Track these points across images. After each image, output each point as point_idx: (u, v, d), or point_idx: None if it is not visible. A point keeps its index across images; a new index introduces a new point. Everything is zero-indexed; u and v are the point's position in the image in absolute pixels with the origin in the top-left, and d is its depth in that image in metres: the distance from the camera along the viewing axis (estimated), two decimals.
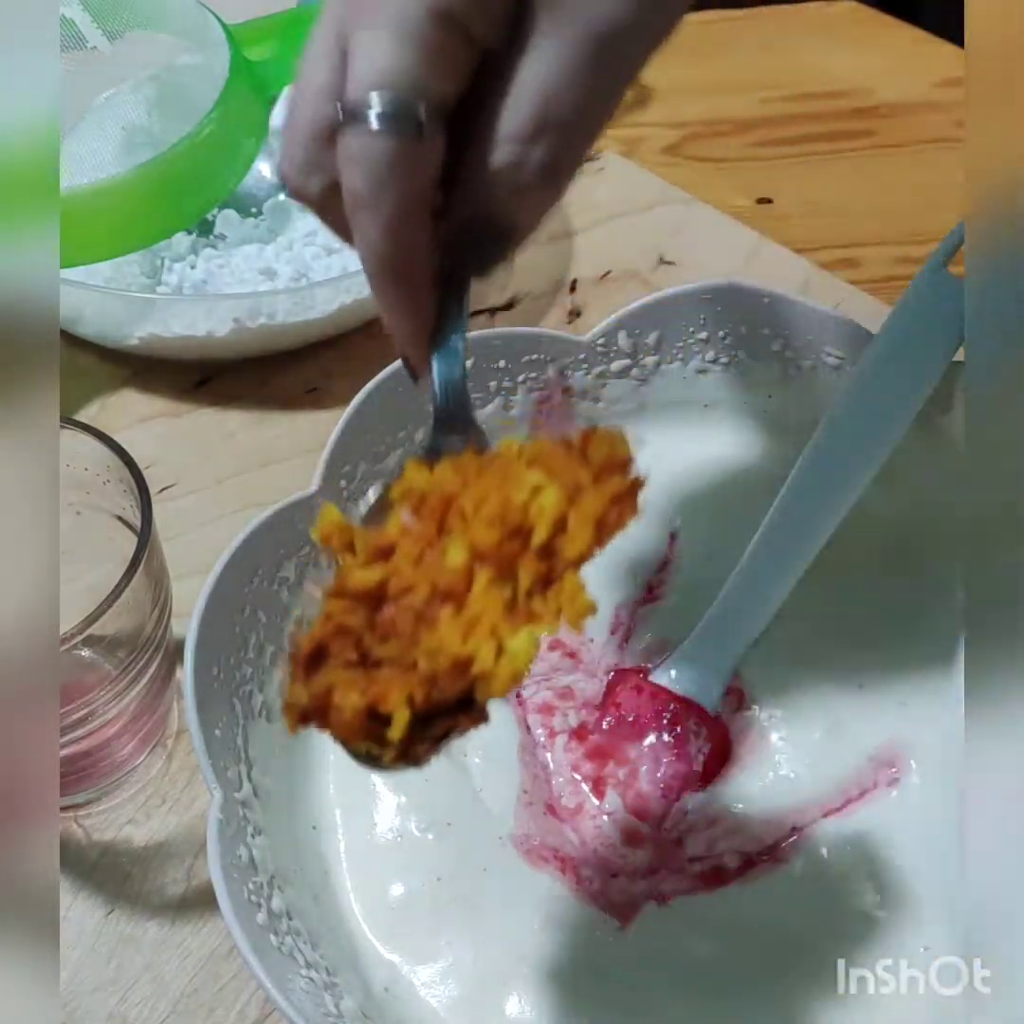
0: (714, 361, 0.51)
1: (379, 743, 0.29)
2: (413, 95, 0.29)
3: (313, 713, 0.30)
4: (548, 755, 0.45)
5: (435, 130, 0.30)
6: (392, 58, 0.29)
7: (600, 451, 0.30)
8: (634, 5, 0.29)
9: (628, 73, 0.31)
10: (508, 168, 0.30)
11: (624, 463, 0.30)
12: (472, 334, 0.48)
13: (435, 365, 0.34)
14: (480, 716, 0.29)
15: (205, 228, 0.62)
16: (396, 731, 0.29)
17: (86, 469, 0.42)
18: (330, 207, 0.32)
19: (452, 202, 0.32)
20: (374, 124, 0.29)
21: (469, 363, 0.47)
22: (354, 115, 0.29)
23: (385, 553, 0.31)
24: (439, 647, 0.29)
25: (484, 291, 0.64)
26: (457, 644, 0.28)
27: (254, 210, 0.63)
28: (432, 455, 0.33)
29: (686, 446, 0.52)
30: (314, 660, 0.30)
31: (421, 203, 0.31)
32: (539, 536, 0.29)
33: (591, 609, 0.29)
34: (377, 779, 0.43)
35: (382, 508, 0.33)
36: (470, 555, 0.29)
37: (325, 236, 0.61)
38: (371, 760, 0.30)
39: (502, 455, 0.31)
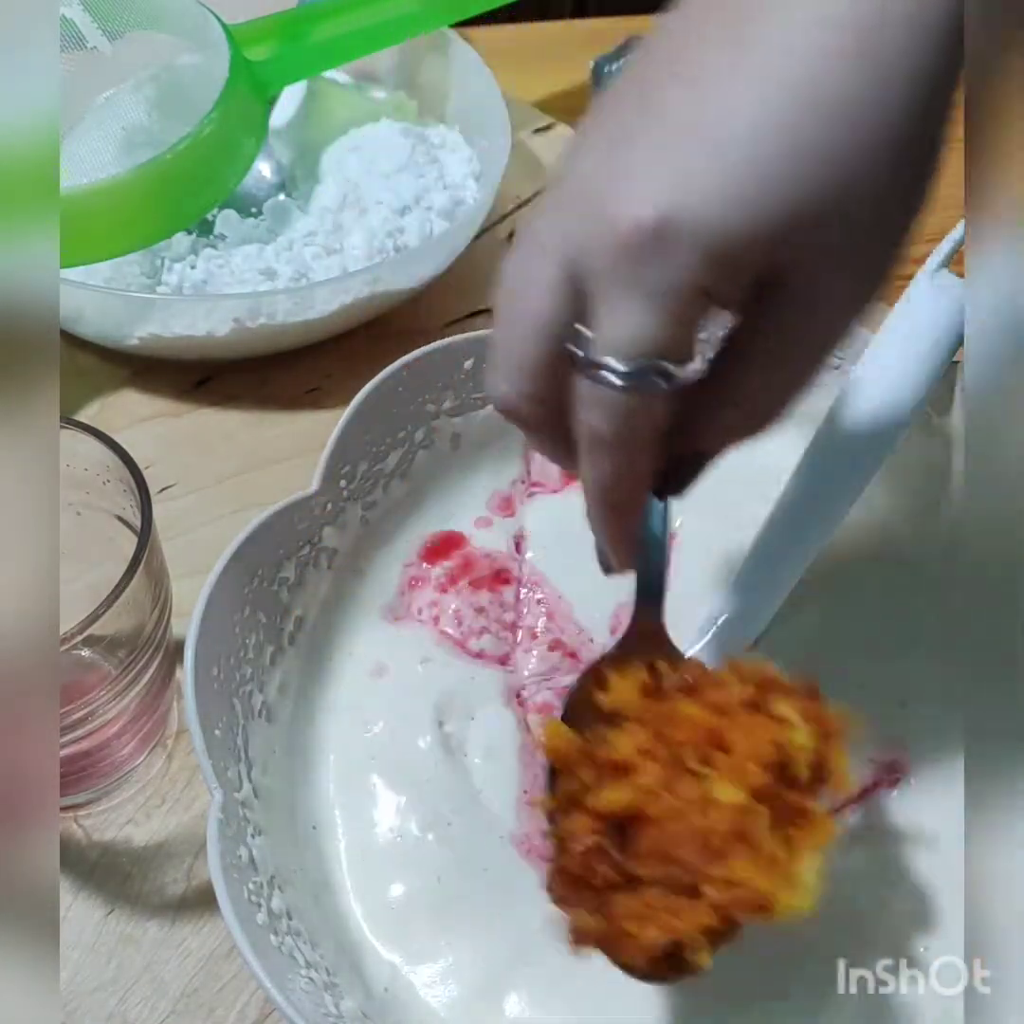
0: None
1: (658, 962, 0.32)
2: (660, 360, 0.30)
3: (605, 941, 0.32)
4: None
5: (674, 390, 0.31)
6: (646, 329, 0.29)
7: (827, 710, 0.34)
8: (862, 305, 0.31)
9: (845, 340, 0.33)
10: (735, 429, 0.33)
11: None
12: (472, 334, 0.49)
13: (638, 569, 0.37)
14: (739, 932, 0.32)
15: (205, 228, 0.62)
16: (703, 962, 0.31)
17: (86, 469, 0.42)
18: (541, 429, 0.33)
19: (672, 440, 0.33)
20: (619, 382, 0.30)
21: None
22: (599, 368, 0.30)
23: (620, 770, 0.33)
24: (736, 880, 0.31)
25: (484, 291, 0.64)
26: (755, 878, 0.31)
27: (254, 210, 0.63)
28: (622, 655, 0.36)
29: None
30: (579, 880, 0.33)
31: (654, 446, 0.32)
32: (803, 774, 0.32)
33: (834, 835, 0.32)
34: (377, 779, 0.43)
35: (582, 708, 0.35)
36: (745, 792, 0.32)
37: (325, 236, 0.61)
38: (640, 972, 0.33)
39: (717, 680, 0.34)
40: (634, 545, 0.36)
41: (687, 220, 0.28)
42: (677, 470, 0.35)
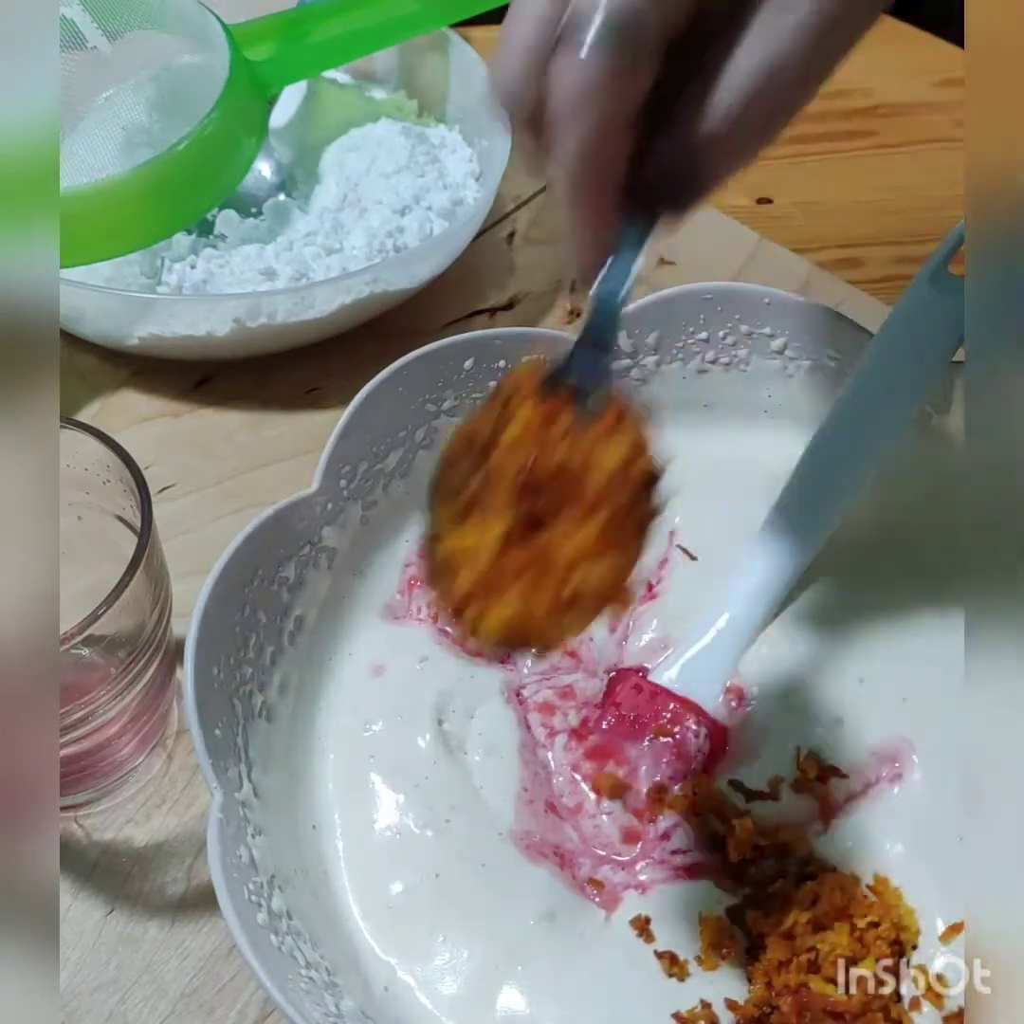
0: (714, 361, 0.51)
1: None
2: (631, 27, 0.31)
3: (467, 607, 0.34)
4: (548, 754, 0.45)
5: (646, 63, 0.31)
6: None
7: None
8: None
9: (842, 54, 0.33)
10: (722, 127, 0.32)
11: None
12: (472, 334, 0.49)
13: (598, 283, 0.35)
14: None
15: (205, 228, 0.62)
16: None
17: (86, 469, 0.42)
18: (531, 127, 0.33)
19: (658, 143, 0.33)
20: (589, 47, 0.31)
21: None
22: (572, 37, 0.31)
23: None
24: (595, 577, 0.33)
25: (484, 291, 0.64)
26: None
27: (254, 210, 0.63)
28: (561, 375, 0.35)
29: (686, 446, 0.52)
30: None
31: (620, 126, 0.32)
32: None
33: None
34: (377, 778, 0.43)
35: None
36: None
37: (325, 236, 0.61)
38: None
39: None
40: (601, 250, 0.35)
41: None
42: (674, 186, 0.34)
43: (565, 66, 0.31)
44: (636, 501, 0.34)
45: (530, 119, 0.33)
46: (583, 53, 0.31)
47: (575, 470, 0.34)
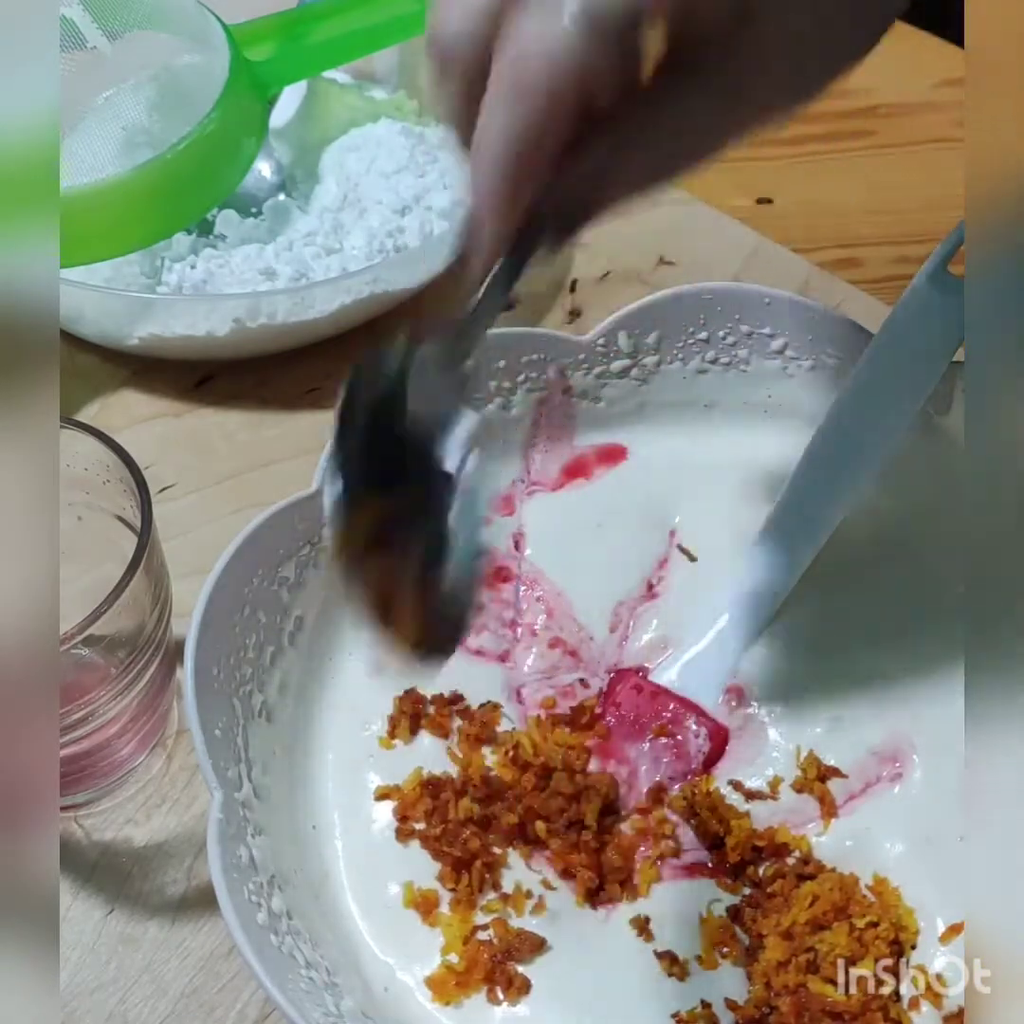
0: (714, 361, 0.51)
1: None
2: (625, 13, 0.27)
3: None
4: None
5: (620, 63, 0.28)
6: None
7: None
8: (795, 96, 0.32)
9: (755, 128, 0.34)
10: (634, 175, 0.33)
11: None
12: None
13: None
14: None
15: (205, 228, 0.62)
16: None
17: (86, 469, 0.42)
18: (469, 75, 0.29)
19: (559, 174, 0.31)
20: (573, 17, 0.27)
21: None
22: (551, 4, 0.27)
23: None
24: None
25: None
26: None
27: (254, 210, 0.63)
28: None
29: (686, 446, 0.52)
30: None
31: (572, 114, 0.29)
32: None
33: None
34: (376, 777, 0.43)
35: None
36: None
37: (325, 236, 0.61)
38: None
39: None
40: (514, 220, 0.31)
41: None
42: (561, 214, 0.32)
43: (537, 30, 0.27)
44: None
45: (466, 76, 0.29)
46: (565, 21, 0.27)
47: None
